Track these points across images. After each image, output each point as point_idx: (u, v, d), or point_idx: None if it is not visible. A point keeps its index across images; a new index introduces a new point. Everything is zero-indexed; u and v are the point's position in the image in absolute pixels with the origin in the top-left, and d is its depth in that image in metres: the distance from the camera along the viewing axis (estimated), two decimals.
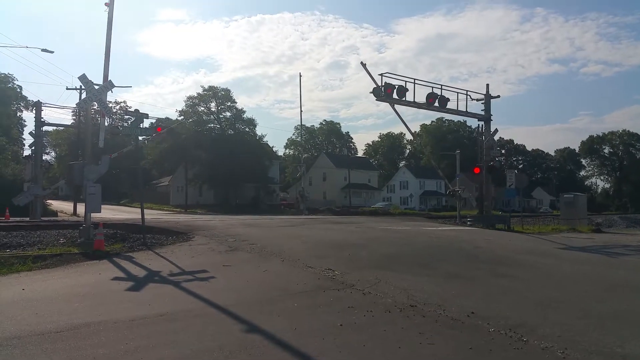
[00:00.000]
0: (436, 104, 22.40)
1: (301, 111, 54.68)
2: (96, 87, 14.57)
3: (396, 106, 21.92)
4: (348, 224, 22.23)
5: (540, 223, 30.35)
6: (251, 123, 61.31)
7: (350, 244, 13.87)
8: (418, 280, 8.97)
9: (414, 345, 5.38)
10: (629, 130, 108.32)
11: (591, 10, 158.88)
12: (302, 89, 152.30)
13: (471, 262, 11.47)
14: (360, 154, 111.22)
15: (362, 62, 21.06)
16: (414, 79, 21.84)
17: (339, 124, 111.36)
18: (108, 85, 14.57)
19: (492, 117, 25.32)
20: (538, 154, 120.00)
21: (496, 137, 26.57)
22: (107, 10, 14.17)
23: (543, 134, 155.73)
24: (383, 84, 20.70)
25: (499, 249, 14.13)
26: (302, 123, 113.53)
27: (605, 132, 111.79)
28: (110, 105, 63.07)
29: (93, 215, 14.13)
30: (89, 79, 14.25)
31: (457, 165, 31.01)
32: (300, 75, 50.12)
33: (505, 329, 5.94)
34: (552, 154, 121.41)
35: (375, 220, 27.44)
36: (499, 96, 26.14)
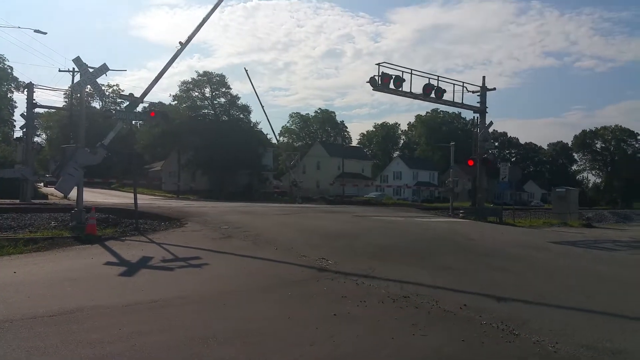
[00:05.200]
0: (433, 95, 22.35)
1: (263, 108, 54.32)
2: (90, 70, 14.38)
3: (392, 95, 21.85)
4: (341, 214, 22.26)
5: (531, 216, 30.59)
6: (245, 110, 60.86)
7: (344, 234, 13.89)
8: (411, 272, 9.01)
9: (407, 336, 5.41)
10: (621, 126, 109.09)
11: (586, 5, 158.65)
12: (298, 75, 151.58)
13: (464, 254, 11.54)
14: (354, 143, 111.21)
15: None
16: (411, 70, 21.75)
17: (333, 112, 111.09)
18: (103, 68, 14.35)
19: (487, 110, 25.36)
20: (531, 147, 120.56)
21: (490, 130, 26.64)
22: (179, 47, 15.54)
23: (536, 127, 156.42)
24: (380, 74, 20.59)
25: (491, 241, 14.24)
26: (297, 111, 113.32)
27: (597, 126, 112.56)
28: (103, 88, 62.32)
29: (85, 198, 14.02)
30: (83, 61, 14.07)
31: (452, 157, 31.05)
32: (246, 70, 48.99)
33: (497, 321, 5.98)
34: (545, 147, 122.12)
35: (369, 210, 27.50)
36: (494, 88, 26.12)
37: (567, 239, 16.83)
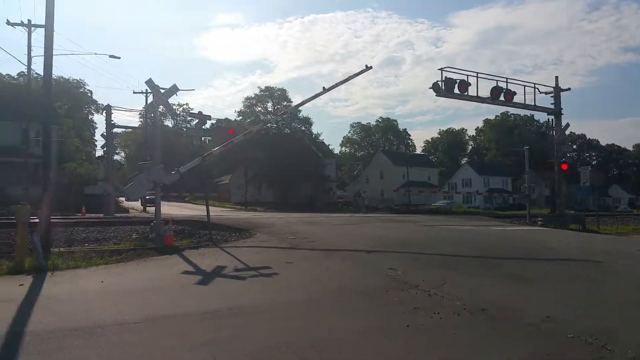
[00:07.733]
0: (501, 97, 21.52)
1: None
2: (162, 90, 15.27)
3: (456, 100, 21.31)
4: (408, 223, 21.84)
5: (618, 223, 28.40)
6: (307, 122, 62.10)
7: (412, 243, 13.59)
8: (487, 282, 8.62)
9: (487, 350, 5.15)
10: None
11: None
12: (357, 86, 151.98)
13: (544, 263, 10.88)
14: (418, 150, 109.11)
15: None
16: (477, 73, 21.15)
17: (395, 120, 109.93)
18: (173, 89, 15.15)
19: (562, 111, 23.95)
20: (613, 149, 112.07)
21: (567, 132, 25.10)
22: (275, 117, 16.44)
23: (618, 128, 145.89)
24: (443, 79, 20.15)
25: (573, 250, 13.31)
26: (358, 121, 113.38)
27: None
28: (174, 107, 65.99)
29: (162, 211, 14.79)
30: (155, 83, 14.97)
31: (526, 162, 29.55)
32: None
33: (585, 335, 5.53)
34: (630, 149, 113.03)
35: (437, 219, 26.77)
36: (569, 89, 24.70)
37: None
